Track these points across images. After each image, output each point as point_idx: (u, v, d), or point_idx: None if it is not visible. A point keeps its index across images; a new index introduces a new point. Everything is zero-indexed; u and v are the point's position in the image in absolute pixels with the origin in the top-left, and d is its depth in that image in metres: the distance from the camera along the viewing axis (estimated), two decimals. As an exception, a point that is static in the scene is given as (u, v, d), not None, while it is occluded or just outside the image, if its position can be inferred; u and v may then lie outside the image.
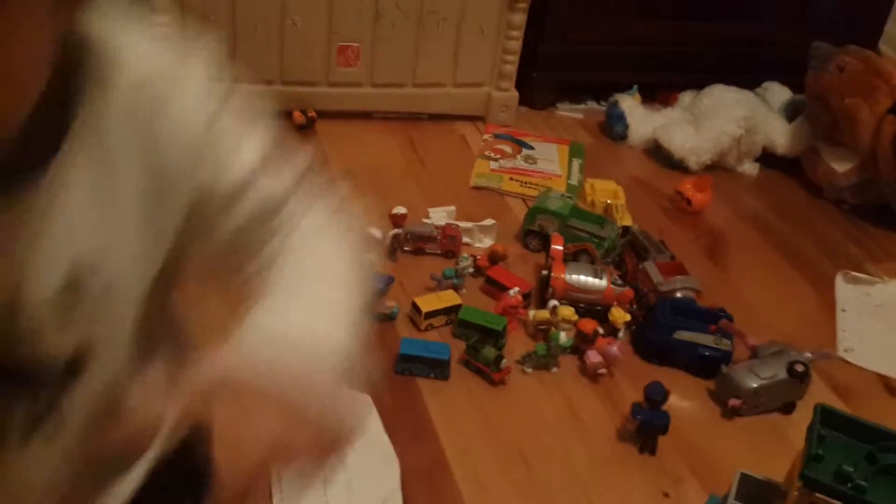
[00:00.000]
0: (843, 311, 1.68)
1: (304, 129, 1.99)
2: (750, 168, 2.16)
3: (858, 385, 1.49)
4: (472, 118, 2.18)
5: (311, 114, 2.00)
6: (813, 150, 2.11)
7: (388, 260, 1.58)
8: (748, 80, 2.27)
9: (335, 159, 1.91)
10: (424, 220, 1.66)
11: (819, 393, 1.44)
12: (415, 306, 1.42)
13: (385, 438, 1.19)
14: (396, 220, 1.59)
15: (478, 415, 1.28)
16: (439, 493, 1.14)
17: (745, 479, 1.08)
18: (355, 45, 1.98)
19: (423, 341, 1.35)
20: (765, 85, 2.31)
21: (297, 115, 1.99)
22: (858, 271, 1.81)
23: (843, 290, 1.75)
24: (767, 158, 2.17)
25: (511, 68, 2.14)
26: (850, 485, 0.95)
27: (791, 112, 2.19)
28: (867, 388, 1.49)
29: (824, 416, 1.02)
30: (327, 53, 1.97)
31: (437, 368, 1.32)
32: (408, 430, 1.22)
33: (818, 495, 0.96)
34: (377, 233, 1.51)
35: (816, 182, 2.11)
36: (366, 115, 2.09)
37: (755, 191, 2.10)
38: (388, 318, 1.43)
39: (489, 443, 1.23)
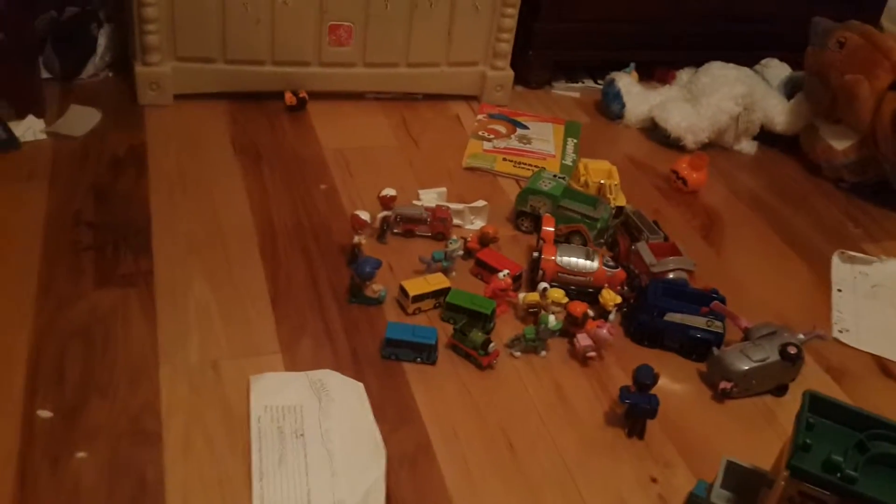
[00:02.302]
0: (839, 291, 1.66)
1: (296, 110, 1.97)
2: (748, 146, 2.14)
3: (853, 367, 1.47)
4: (467, 98, 2.16)
5: (303, 94, 1.98)
6: (812, 128, 2.08)
7: (378, 242, 1.57)
8: (747, 56, 2.23)
9: (327, 140, 1.89)
10: (414, 202, 1.64)
11: (812, 375, 1.42)
12: (402, 290, 1.41)
13: (375, 427, 1.17)
14: (386, 202, 1.57)
15: (465, 400, 1.27)
16: (423, 480, 1.13)
17: (731, 466, 1.06)
18: (347, 24, 1.95)
19: (410, 325, 1.33)
20: (764, 62, 2.28)
21: (288, 95, 1.96)
22: (856, 250, 1.79)
23: (839, 269, 1.73)
24: (766, 136, 2.14)
25: (506, 47, 2.11)
26: (839, 475, 0.93)
27: (790, 89, 2.16)
28: (862, 369, 1.48)
29: (813, 402, 1.00)
30: (319, 33, 1.95)
31: (424, 353, 1.30)
32: (393, 416, 1.21)
33: (806, 485, 0.94)
34: (366, 215, 1.49)
35: (815, 160, 2.08)
36: (358, 96, 2.07)
37: (752, 169, 2.07)
38: (375, 302, 1.42)
39: (476, 428, 1.22)
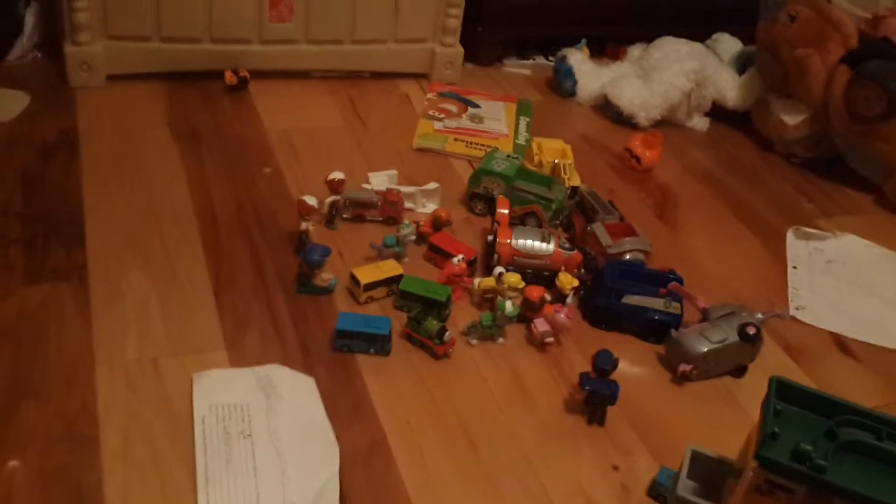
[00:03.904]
0: (795, 268, 1.65)
1: (237, 90, 1.90)
2: (700, 123, 2.12)
3: (811, 344, 1.47)
4: (416, 76, 2.10)
5: (244, 73, 1.90)
6: (764, 103, 2.07)
7: (326, 229, 1.51)
8: (698, 31, 2.21)
9: (270, 122, 1.81)
10: (364, 186, 1.58)
11: (771, 354, 1.41)
12: (353, 278, 1.35)
13: (327, 424, 1.12)
14: (334, 187, 1.51)
15: (420, 391, 1.22)
16: (378, 476, 1.08)
17: (696, 456, 1.04)
18: (289, -1, 1.88)
19: (362, 315, 1.28)
20: (715, 37, 2.26)
21: (228, 75, 1.88)
22: (810, 226, 1.78)
23: (795, 246, 1.72)
24: (718, 112, 2.13)
25: (455, 22, 2.05)
26: (808, 464, 0.90)
27: (742, 64, 2.15)
28: (819, 347, 1.47)
29: (780, 389, 0.98)
30: (259, 8, 1.87)
31: (377, 344, 1.25)
32: (346, 411, 1.16)
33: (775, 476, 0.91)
34: (313, 200, 1.43)
35: (767, 136, 2.07)
36: (302, 74, 2.00)
37: (705, 146, 2.06)
38: (325, 292, 1.36)
39: (432, 421, 1.18)
